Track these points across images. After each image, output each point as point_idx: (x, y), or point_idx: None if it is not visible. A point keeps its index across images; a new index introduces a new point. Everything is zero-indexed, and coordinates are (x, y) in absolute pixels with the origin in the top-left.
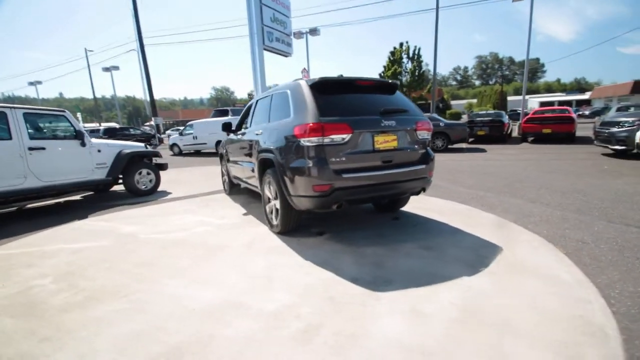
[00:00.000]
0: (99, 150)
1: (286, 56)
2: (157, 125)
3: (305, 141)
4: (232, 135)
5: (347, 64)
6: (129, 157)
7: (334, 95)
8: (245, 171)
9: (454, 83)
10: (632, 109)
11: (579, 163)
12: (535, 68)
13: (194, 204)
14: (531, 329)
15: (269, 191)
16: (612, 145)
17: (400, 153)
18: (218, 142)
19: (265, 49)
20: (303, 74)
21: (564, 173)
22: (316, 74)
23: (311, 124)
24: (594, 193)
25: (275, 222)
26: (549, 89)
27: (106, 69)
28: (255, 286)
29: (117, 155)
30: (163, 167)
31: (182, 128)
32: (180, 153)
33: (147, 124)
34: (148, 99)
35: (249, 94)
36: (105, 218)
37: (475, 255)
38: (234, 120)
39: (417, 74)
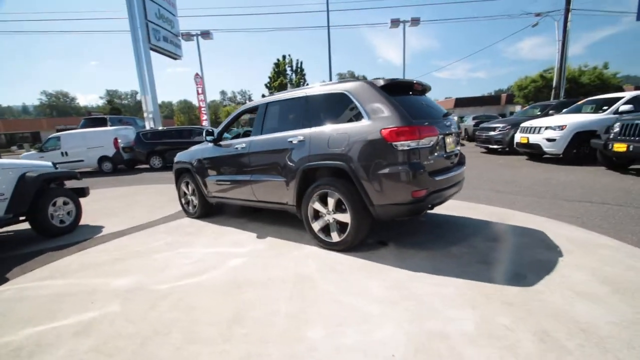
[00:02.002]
0: None
1: (175, 58)
2: None
3: (401, 145)
4: (216, 146)
5: (238, 71)
6: (40, 181)
7: (400, 97)
8: (261, 187)
9: None
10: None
11: (477, 160)
12: None
13: (167, 234)
14: None
15: (321, 205)
16: (491, 145)
17: (456, 154)
18: (103, 159)
19: (151, 49)
20: (197, 79)
21: (475, 168)
22: (210, 81)
23: (408, 127)
24: (520, 181)
25: (337, 238)
26: None
27: None
28: (426, 311)
29: (21, 180)
30: (83, 192)
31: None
32: None
33: None
34: None
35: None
36: (53, 274)
37: (527, 235)
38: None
39: (302, 86)
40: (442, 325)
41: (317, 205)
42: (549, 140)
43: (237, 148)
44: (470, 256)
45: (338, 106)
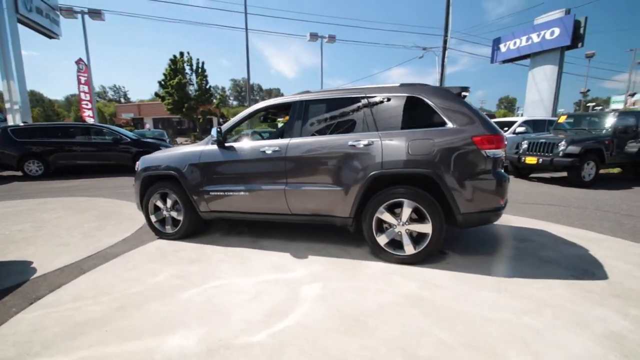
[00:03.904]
0: None
1: (51, 37)
2: None
3: (491, 153)
4: (224, 149)
5: (116, 63)
6: None
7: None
8: (302, 198)
9: (236, 103)
10: None
11: None
12: (278, 96)
13: (158, 264)
14: None
15: (390, 216)
16: None
17: None
18: None
19: (20, 21)
20: (80, 66)
21: None
22: (97, 68)
23: (498, 136)
24: None
25: (412, 251)
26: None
27: None
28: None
29: None
30: None
31: None
32: None
33: None
34: None
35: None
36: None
37: (535, 234)
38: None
39: (204, 88)
40: (610, 327)
41: (386, 216)
42: None
43: (264, 152)
44: (520, 256)
45: (411, 110)
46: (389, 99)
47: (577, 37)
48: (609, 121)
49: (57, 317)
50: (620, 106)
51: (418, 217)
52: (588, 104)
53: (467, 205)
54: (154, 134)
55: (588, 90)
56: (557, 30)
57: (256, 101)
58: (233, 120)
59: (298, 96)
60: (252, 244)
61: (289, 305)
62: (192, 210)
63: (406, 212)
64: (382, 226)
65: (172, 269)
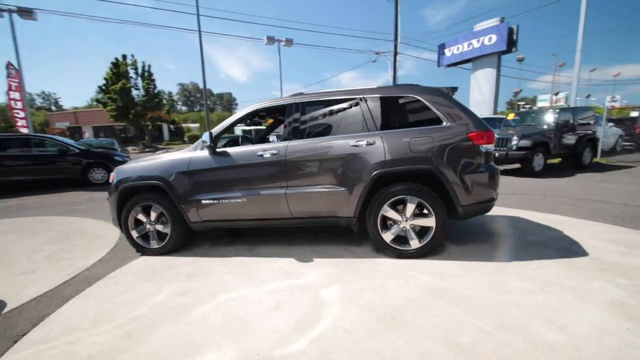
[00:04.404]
0: None
1: None
2: None
3: (484, 147)
4: (215, 154)
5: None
6: None
7: None
8: (304, 200)
9: (185, 108)
10: None
11: None
12: (230, 101)
13: (152, 283)
14: None
15: (395, 212)
16: None
17: None
18: None
19: None
20: (10, 71)
21: None
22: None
23: (489, 132)
24: None
25: (417, 245)
26: None
27: None
28: None
29: None
30: None
31: None
32: None
33: None
34: None
35: None
36: None
37: (514, 221)
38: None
39: (152, 92)
40: (609, 296)
41: (391, 213)
42: None
43: (262, 155)
44: (509, 242)
45: (409, 110)
46: (386, 99)
47: (511, 43)
48: (551, 117)
49: (55, 353)
50: (546, 104)
51: (421, 212)
52: (518, 103)
53: (467, 197)
54: (102, 143)
55: (520, 90)
56: (494, 37)
57: (209, 106)
58: (223, 124)
59: (292, 98)
60: (249, 253)
61: (317, 310)
62: (181, 221)
63: (410, 208)
64: (386, 223)
65: (171, 286)
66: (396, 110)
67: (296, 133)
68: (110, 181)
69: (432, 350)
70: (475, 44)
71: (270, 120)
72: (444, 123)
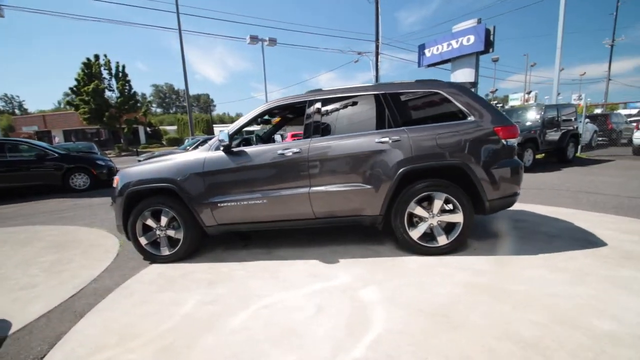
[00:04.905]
0: None
1: None
2: None
3: (509, 142)
4: (231, 154)
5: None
6: None
7: None
8: (329, 199)
9: (160, 110)
10: None
11: None
12: (208, 102)
13: (171, 292)
14: None
15: (421, 209)
16: None
17: None
18: None
19: None
20: None
21: None
22: None
23: (513, 126)
24: None
25: (445, 241)
26: (222, 120)
27: None
28: None
29: None
30: None
31: None
32: None
33: None
34: None
35: None
36: None
37: (517, 214)
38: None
39: (128, 94)
40: None
41: (418, 210)
42: None
43: (283, 154)
44: (526, 235)
45: (431, 105)
46: (407, 94)
47: (488, 44)
48: (537, 114)
49: None
50: (518, 102)
51: (448, 207)
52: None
53: (493, 192)
54: (79, 147)
55: (496, 90)
56: (472, 38)
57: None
58: (238, 122)
59: (311, 95)
60: (268, 256)
61: (363, 313)
62: (195, 226)
63: (437, 204)
64: (412, 220)
65: (194, 295)
66: (418, 106)
67: (318, 130)
68: (114, 186)
69: (499, 347)
70: (455, 44)
71: (277, 119)
72: (469, 118)
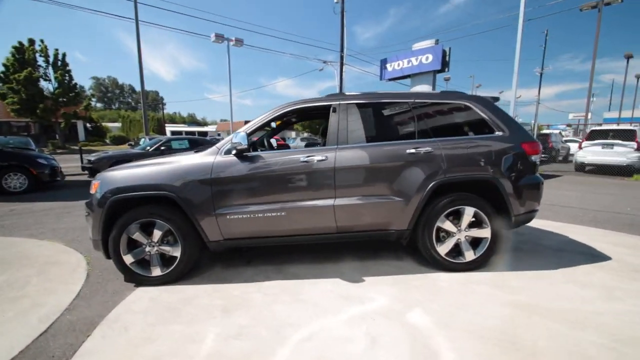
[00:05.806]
0: None
1: None
2: None
3: (534, 158)
4: (244, 160)
5: None
6: None
7: None
8: (355, 212)
9: (100, 105)
10: None
11: None
12: (157, 100)
13: (178, 324)
14: None
15: (450, 223)
16: None
17: None
18: None
19: None
20: None
21: None
22: None
23: (536, 142)
24: None
25: (472, 257)
26: (172, 120)
27: None
28: None
29: None
30: None
31: None
32: None
33: None
34: None
35: None
36: None
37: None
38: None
39: (67, 85)
40: None
41: (447, 224)
42: None
43: (307, 162)
44: (535, 248)
45: (461, 117)
46: (438, 105)
47: (444, 63)
48: None
49: None
50: None
51: (476, 222)
52: None
53: (519, 207)
54: (12, 143)
55: None
56: (430, 57)
57: (128, 104)
58: (252, 123)
59: (337, 98)
60: (280, 275)
61: (424, 342)
62: (195, 241)
63: (466, 218)
64: (438, 235)
65: (210, 327)
66: (447, 117)
67: (344, 137)
68: (91, 192)
69: None
70: (414, 61)
71: (278, 122)
72: (497, 132)
